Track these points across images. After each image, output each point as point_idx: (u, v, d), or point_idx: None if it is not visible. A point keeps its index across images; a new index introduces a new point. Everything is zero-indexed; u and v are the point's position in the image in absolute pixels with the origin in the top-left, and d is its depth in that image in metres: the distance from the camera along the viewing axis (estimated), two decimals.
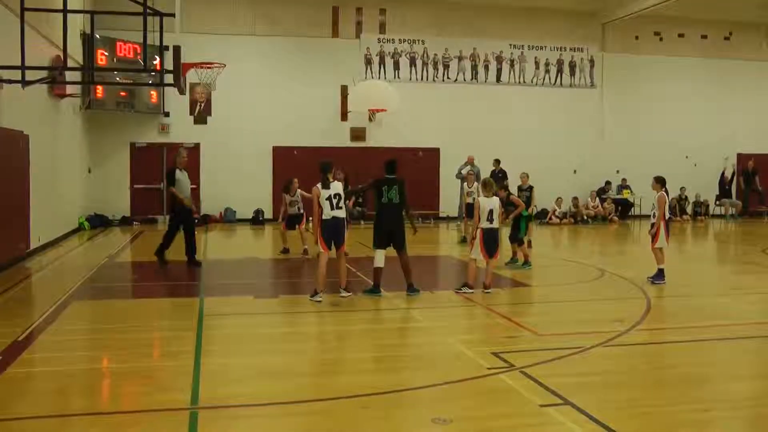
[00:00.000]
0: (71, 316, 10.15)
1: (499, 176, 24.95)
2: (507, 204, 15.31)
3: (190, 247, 14.81)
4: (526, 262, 14.66)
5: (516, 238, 14.96)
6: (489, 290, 11.68)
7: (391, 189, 11.43)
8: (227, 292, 11.88)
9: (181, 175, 14.68)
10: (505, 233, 13.88)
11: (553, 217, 26.50)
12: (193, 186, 24.98)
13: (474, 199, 18.80)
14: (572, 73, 28.59)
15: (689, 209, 28.90)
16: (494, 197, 11.87)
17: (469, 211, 19.19)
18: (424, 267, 15.58)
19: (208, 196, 25.42)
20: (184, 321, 9.69)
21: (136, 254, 17.86)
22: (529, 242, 17.59)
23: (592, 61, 28.76)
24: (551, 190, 26.35)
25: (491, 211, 11.67)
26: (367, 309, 10.61)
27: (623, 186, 28.43)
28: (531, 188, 17.01)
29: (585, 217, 26.69)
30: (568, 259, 16.77)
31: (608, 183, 28.26)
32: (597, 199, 27.45)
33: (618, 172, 28.66)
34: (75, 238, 19.97)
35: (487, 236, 11.70)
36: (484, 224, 11.69)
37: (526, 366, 7.28)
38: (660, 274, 12.76)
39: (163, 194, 24.95)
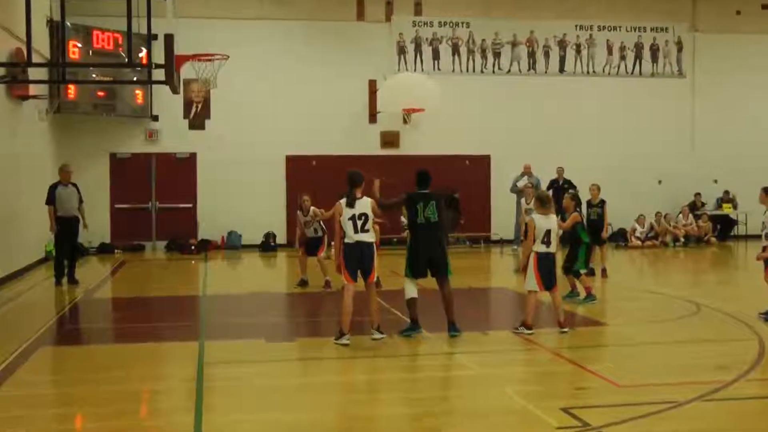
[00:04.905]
0: (37, 365, 10.21)
1: (564, 188, 25.01)
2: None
3: (71, 266, 17.53)
4: (589, 295, 14.45)
5: (571, 270, 14.69)
6: (565, 329, 11.63)
7: (428, 206, 11.42)
8: (233, 335, 11.90)
9: (64, 191, 17.28)
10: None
11: (632, 238, 26.30)
12: (189, 205, 25.56)
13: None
14: (654, 59, 28.48)
15: None
16: (552, 215, 11.81)
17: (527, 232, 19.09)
18: (475, 301, 15.53)
19: (206, 218, 25.61)
20: (181, 370, 9.73)
21: (118, 289, 17.96)
22: (604, 270, 17.47)
23: (679, 44, 28.63)
24: (630, 205, 26.16)
25: (548, 232, 11.59)
26: (404, 354, 10.59)
27: (724, 199, 28.15)
28: (603, 203, 16.91)
29: (676, 238, 26.44)
30: (653, 290, 16.60)
31: (698, 195, 27.99)
32: (690, 215, 27.17)
33: (716, 182, 28.39)
34: (42, 270, 20.12)
35: (543, 263, 11.62)
36: (540, 248, 11.62)
37: (604, 425, 7.20)
38: None
39: (153, 215, 25.29)
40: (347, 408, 8.31)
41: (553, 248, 11.66)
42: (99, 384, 9.11)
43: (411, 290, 11.43)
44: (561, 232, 12.63)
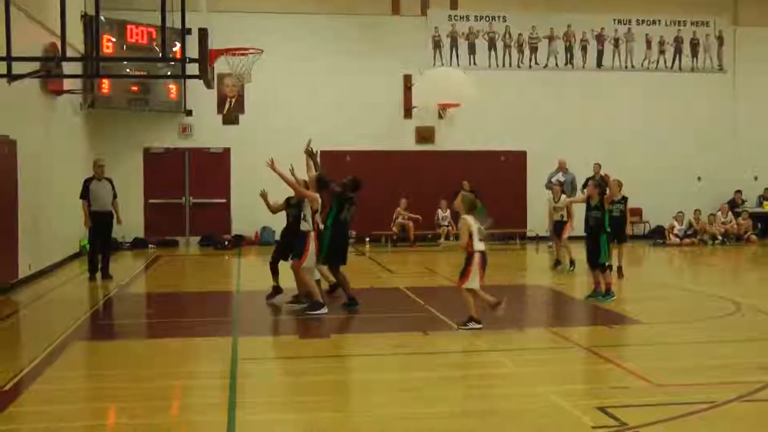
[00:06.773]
0: (70, 360, 10.32)
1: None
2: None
3: (104, 261, 17.61)
4: (609, 292, 14.26)
5: (597, 263, 14.43)
6: (499, 304, 11.64)
7: (350, 209, 13.51)
8: (266, 331, 12.00)
9: (98, 186, 17.41)
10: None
11: (671, 235, 26.09)
12: (222, 200, 25.66)
13: (562, 216, 18.75)
14: (695, 53, 28.23)
15: None
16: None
17: (557, 229, 19.00)
18: (510, 298, 15.46)
19: (240, 213, 25.69)
20: (214, 366, 9.80)
21: (152, 284, 18.08)
22: (619, 269, 17.37)
23: (720, 38, 28.35)
24: (668, 202, 26.01)
25: (479, 230, 11.76)
26: (438, 351, 10.60)
27: (765, 197, 27.88)
28: (625, 200, 16.78)
29: (714, 236, 26.18)
30: (692, 289, 16.49)
31: (738, 192, 27.73)
32: (729, 213, 26.91)
33: (756, 179, 28.12)
34: (75, 265, 20.33)
35: (484, 260, 11.81)
36: (481, 246, 11.73)
37: (641, 425, 7.17)
38: None
39: (186, 210, 25.39)
40: (382, 407, 8.28)
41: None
42: (131, 380, 9.16)
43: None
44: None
